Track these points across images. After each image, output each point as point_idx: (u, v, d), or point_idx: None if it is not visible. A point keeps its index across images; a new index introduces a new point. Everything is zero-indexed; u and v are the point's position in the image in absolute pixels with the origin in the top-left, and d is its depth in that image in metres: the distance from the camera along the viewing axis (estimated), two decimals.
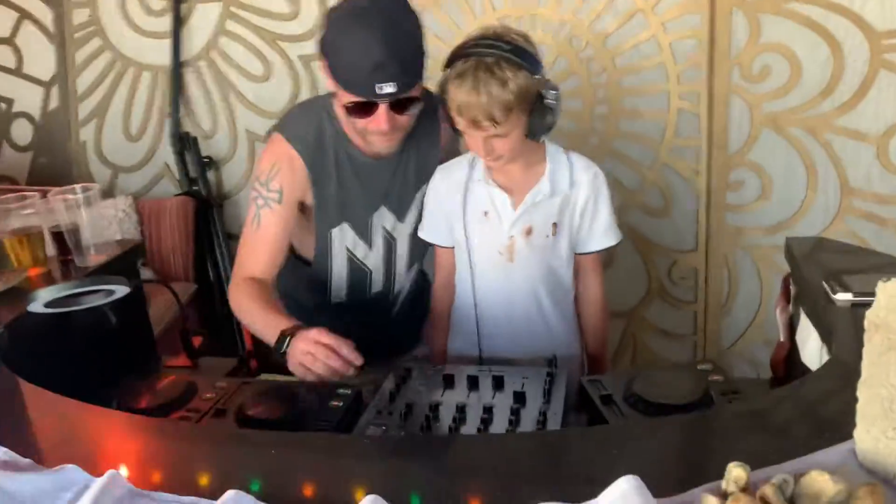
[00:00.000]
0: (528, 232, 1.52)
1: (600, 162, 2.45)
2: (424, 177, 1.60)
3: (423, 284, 1.77)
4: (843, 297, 1.11)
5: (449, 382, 1.31)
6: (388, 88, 1.36)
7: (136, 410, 1.31)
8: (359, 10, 1.38)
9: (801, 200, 2.41)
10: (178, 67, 2.84)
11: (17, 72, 3.02)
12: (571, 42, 2.49)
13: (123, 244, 1.63)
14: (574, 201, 1.52)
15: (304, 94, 2.78)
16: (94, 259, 1.53)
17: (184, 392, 1.35)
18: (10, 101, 3.04)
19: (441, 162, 1.61)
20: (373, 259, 1.66)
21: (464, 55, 1.38)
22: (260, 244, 1.56)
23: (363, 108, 1.42)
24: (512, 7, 2.52)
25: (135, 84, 2.93)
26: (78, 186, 1.50)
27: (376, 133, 1.45)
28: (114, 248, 1.59)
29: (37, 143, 3.05)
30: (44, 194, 1.52)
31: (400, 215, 1.63)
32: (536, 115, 1.40)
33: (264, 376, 2.46)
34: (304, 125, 1.54)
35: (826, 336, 1.10)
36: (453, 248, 1.59)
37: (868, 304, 1.10)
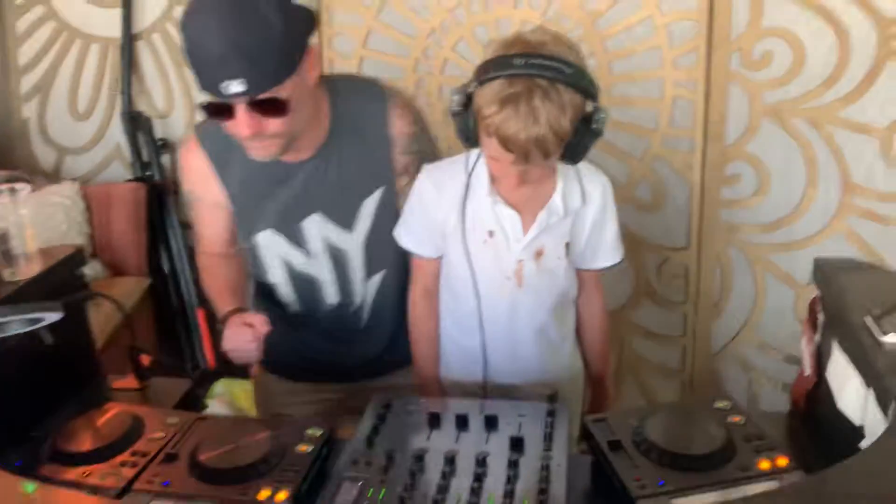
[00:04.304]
0: (539, 254, 1.34)
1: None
2: (370, 182, 1.41)
3: (394, 291, 1.54)
4: (893, 339, 0.96)
5: (435, 422, 1.15)
6: (235, 87, 1.14)
7: (72, 454, 1.14)
8: None
9: (801, 197, 2.28)
10: (129, 40, 2.60)
11: None
12: (560, 22, 2.30)
13: (62, 250, 1.43)
14: (584, 217, 1.36)
15: None
16: (25, 271, 1.32)
17: (129, 430, 1.17)
18: None
19: (396, 166, 1.41)
20: (316, 268, 1.48)
21: (511, 75, 1.12)
22: (201, 226, 1.53)
23: (219, 111, 1.21)
24: None
25: (82, 57, 2.68)
26: (4, 186, 1.29)
27: (243, 140, 1.24)
28: (50, 256, 1.39)
29: None
30: None
31: (345, 225, 1.43)
32: (581, 138, 1.18)
33: (224, 381, 2.28)
34: (214, 123, 1.33)
35: (874, 383, 0.96)
36: (438, 258, 1.41)
37: None
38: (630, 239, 2.37)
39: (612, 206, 1.38)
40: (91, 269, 2.47)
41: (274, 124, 1.22)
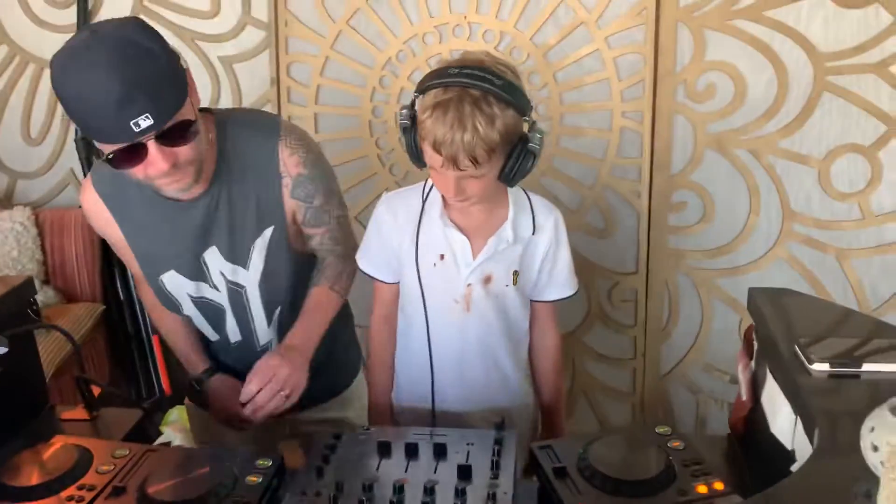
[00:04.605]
0: (488, 280, 1.38)
1: (540, 180, 2.40)
2: (259, 221, 1.38)
3: None
4: (819, 367, 1.01)
5: (385, 451, 1.17)
6: (144, 122, 1.13)
7: (17, 490, 1.13)
8: (80, 48, 1.15)
9: (744, 224, 2.36)
10: None
11: None
12: (512, 53, 2.37)
13: (12, 280, 1.42)
14: (535, 247, 1.40)
15: (225, 98, 2.57)
16: None
17: (76, 463, 1.17)
18: None
19: (286, 207, 1.38)
20: (222, 300, 1.47)
21: (445, 83, 1.21)
22: (125, 262, 1.53)
23: (131, 156, 1.19)
24: (450, 15, 2.38)
25: (35, 82, 2.66)
26: None
27: (159, 177, 1.23)
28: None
29: None
30: None
31: (241, 262, 1.41)
32: (517, 158, 1.25)
33: (179, 408, 2.27)
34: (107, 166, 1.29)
35: (800, 409, 1.01)
36: (396, 283, 1.44)
37: (848, 377, 1.04)
38: (582, 264, 2.43)
39: (565, 239, 1.42)
40: (43, 296, 2.45)
41: (185, 151, 1.22)
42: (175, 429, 2.34)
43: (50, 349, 2.13)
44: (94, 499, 1.10)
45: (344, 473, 1.12)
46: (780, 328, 1.15)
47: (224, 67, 2.56)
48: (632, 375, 2.51)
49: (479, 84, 1.19)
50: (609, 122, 2.37)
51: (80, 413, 1.46)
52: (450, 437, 1.19)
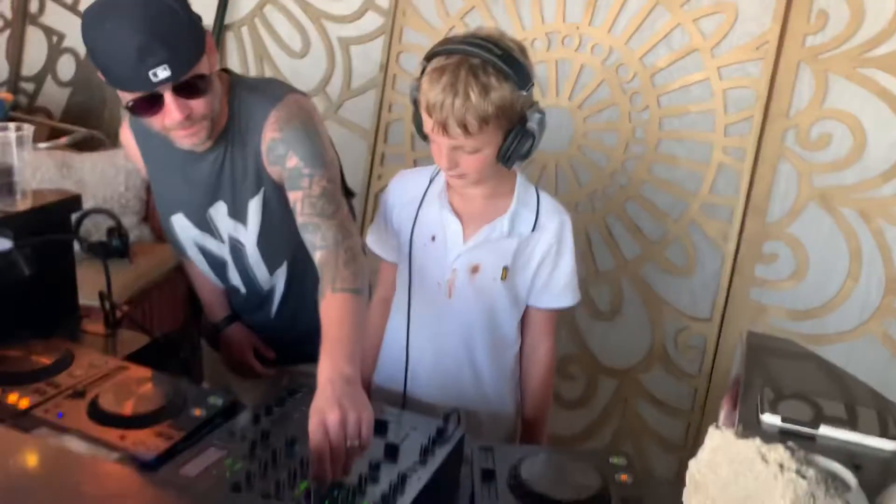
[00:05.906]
0: (474, 270, 1.34)
1: (622, 205, 2.30)
2: (252, 183, 1.40)
3: (304, 283, 1.51)
4: (770, 420, 0.90)
5: None
6: (162, 73, 1.19)
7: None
8: (108, 2, 1.23)
9: (838, 289, 2.14)
10: (221, 27, 2.78)
11: (73, 8, 3.03)
12: (618, 70, 2.29)
13: (60, 194, 1.55)
14: (533, 247, 1.35)
15: (338, 77, 2.67)
16: (20, 204, 1.44)
17: (54, 364, 1.26)
18: (61, 36, 3.06)
19: (271, 172, 1.37)
20: (225, 253, 1.51)
21: (447, 51, 1.22)
22: None
23: (148, 105, 1.25)
24: (562, 24, 2.34)
25: None
26: (12, 125, 1.41)
27: (174, 128, 1.29)
28: (46, 197, 1.51)
29: (77, 81, 3.05)
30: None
31: (241, 219, 1.44)
32: (514, 137, 1.23)
33: None
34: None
35: None
36: (397, 264, 1.43)
37: (799, 435, 0.91)
38: (652, 299, 2.31)
39: (570, 245, 1.36)
40: (139, 232, 2.64)
41: (199, 104, 1.28)
42: None
43: (128, 278, 2.30)
44: (55, 396, 1.17)
45: (277, 425, 1.12)
46: (758, 377, 1.03)
47: (341, 47, 2.65)
48: (686, 428, 2.34)
49: (480, 52, 1.17)
50: (708, 156, 2.23)
51: (98, 328, 1.56)
52: (394, 417, 1.17)
